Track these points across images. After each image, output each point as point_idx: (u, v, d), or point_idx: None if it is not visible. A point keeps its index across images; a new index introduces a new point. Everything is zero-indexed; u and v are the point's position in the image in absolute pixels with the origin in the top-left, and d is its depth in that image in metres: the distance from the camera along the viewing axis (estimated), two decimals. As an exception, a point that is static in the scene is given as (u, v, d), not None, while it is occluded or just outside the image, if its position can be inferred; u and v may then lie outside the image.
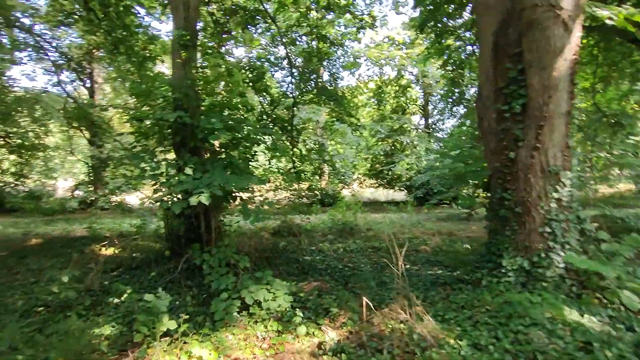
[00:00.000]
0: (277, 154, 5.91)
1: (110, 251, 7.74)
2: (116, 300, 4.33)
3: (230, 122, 4.79)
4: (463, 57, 11.56)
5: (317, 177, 19.41)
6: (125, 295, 4.36)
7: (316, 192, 18.87)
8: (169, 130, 5.34)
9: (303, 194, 18.34)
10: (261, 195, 4.79)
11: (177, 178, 4.36)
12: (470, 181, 4.69)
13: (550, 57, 3.80)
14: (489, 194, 4.66)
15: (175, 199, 4.39)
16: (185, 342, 3.33)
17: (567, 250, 3.90)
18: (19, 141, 17.30)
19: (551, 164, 3.95)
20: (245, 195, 5.16)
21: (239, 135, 5.29)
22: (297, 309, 4.03)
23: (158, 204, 4.92)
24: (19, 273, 6.02)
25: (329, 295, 4.55)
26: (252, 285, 4.22)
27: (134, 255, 7.02)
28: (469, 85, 16.55)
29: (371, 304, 3.52)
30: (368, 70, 30.55)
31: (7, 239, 9.85)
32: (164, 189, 4.65)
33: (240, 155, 5.42)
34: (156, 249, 6.76)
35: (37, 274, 5.78)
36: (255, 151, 7.08)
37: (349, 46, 18.50)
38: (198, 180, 4.23)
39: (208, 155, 5.50)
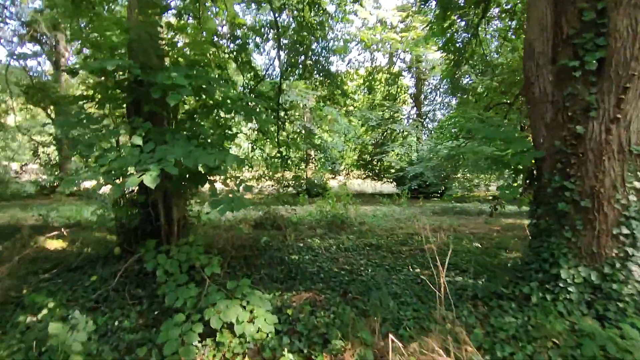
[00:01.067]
0: (262, 128, 4.69)
1: (57, 244, 6.43)
2: (29, 319, 3.10)
3: (198, 80, 3.55)
4: (466, 38, 10.53)
5: (304, 165, 18.23)
6: (44, 312, 3.13)
7: (302, 181, 17.74)
8: (118, 92, 4.06)
9: (289, 183, 17.21)
10: (237, 178, 3.59)
11: (117, 151, 3.12)
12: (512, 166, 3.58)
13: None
14: (533, 182, 3.61)
15: (115, 178, 3.15)
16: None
17: (652, 260, 2.89)
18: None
19: (633, 142, 2.91)
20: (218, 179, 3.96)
21: (211, 102, 4.06)
22: (284, 335, 2.90)
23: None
24: None
25: (324, 312, 3.44)
26: (221, 300, 3.06)
27: (83, 250, 5.75)
28: (467, 76, 15.64)
29: (396, 340, 2.40)
30: (359, 55, 29.30)
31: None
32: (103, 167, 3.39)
33: (213, 126, 4.18)
34: (108, 244, 5.50)
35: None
36: (234, 129, 5.94)
37: (339, 30, 17.27)
38: (146, 154, 3.00)
39: (172, 125, 4.25)
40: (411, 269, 5.13)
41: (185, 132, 3.54)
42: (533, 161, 3.47)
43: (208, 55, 4.18)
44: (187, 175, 3.72)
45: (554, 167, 3.24)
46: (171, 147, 3.13)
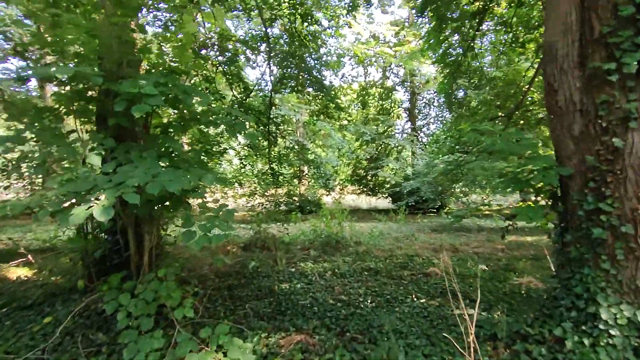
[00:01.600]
0: (251, 143, 4.20)
1: (23, 272, 5.81)
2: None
3: (172, 89, 3.07)
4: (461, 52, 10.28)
5: (297, 181, 17.73)
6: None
7: (295, 198, 17.21)
8: (82, 103, 3.55)
9: (281, 200, 16.65)
10: (216, 201, 3.07)
11: (69, 174, 2.60)
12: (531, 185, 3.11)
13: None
14: (556, 203, 3.14)
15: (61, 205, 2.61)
16: None
17: None
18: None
19: (681, 158, 2.47)
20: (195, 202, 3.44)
21: (188, 114, 3.57)
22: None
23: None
24: None
25: (319, 359, 2.90)
26: (193, 353, 2.50)
27: (50, 281, 5.16)
28: (461, 89, 15.41)
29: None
30: (352, 70, 29.23)
31: None
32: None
33: (192, 142, 3.68)
34: (77, 274, 4.90)
35: None
36: (224, 145, 5.44)
37: (332, 44, 17.07)
38: (103, 177, 2.48)
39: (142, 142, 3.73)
40: (415, 299, 4.60)
41: (155, 150, 3.02)
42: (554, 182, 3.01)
43: (190, 63, 3.70)
44: (155, 200, 3.19)
45: (584, 186, 2.78)
46: (134, 168, 2.62)
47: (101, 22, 3.52)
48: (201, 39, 7.94)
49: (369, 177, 20.85)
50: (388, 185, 19.34)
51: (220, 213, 2.95)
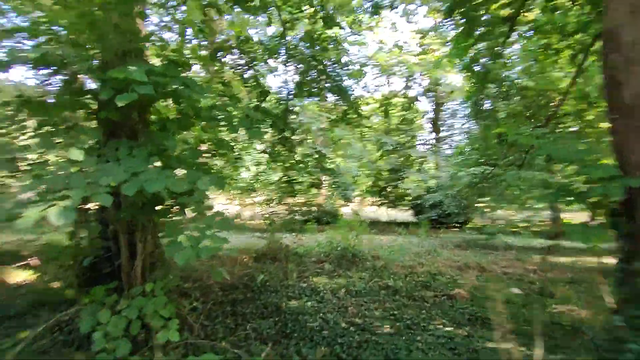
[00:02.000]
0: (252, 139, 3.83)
1: (25, 275, 5.61)
2: None
3: (166, 80, 2.72)
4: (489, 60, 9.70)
5: (315, 190, 17.34)
6: None
7: (312, 208, 16.82)
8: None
9: (297, 209, 16.28)
10: (209, 208, 2.66)
11: (39, 171, 2.28)
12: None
13: None
14: (619, 221, 2.58)
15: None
16: None
17: None
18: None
19: None
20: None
21: (186, 108, 3.22)
22: None
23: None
24: None
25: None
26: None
27: (46, 286, 4.89)
28: (487, 99, 14.72)
29: None
30: (375, 79, 28.87)
31: None
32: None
33: (196, 143, 3.34)
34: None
35: None
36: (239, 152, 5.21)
37: (354, 53, 16.78)
38: (77, 175, 2.13)
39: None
40: (440, 325, 4.05)
41: (147, 147, 2.67)
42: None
43: (196, 57, 3.37)
44: (149, 203, 2.84)
45: (661, 202, 2.23)
46: (117, 166, 2.26)
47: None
48: (217, 40, 7.75)
49: (390, 189, 20.25)
50: (410, 198, 18.66)
51: (215, 221, 2.55)
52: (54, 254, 4.40)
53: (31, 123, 2.86)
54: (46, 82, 3.19)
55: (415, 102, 23.03)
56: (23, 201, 2.14)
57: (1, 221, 2.00)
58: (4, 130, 2.91)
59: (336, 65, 8.64)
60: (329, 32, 9.26)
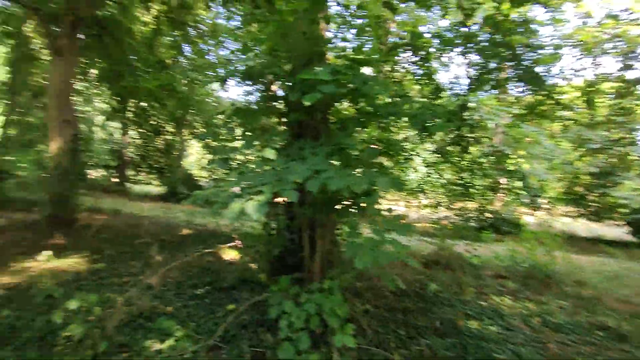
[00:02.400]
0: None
1: (233, 254, 6.81)
2: (155, 347, 2.81)
3: (347, 78, 2.70)
4: None
5: (492, 194, 15.42)
6: (168, 342, 2.81)
7: (488, 214, 15.02)
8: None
9: (471, 214, 14.84)
10: (389, 211, 2.48)
11: (245, 168, 2.57)
12: None
13: None
14: None
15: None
16: None
17: None
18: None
19: None
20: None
21: (365, 106, 3.15)
22: None
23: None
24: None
25: None
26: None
27: (248, 266, 5.77)
28: None
29: None
30: (574, 62, 23.70)
31: (168, 225, 10.35)
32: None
33: (369, 140, 3.27)
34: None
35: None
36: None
37: (546, 35, 14.06)
38: (268, 172, 2.30)
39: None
40: None
41: (329, 146, 2.72)
42: None
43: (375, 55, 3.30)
44: (329, 202, 2.88)
45: None
46: (302, 164, 2.35)
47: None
48: (390, 40, 7.65)
49: (594, 197, 16.20)
50: (627, 210, 14.49)
51: (398, 224, 2.36)
52: (251, 242, 5.15)
53: (238, 130, 3.34)
54: (249, 93, 3.64)
55: (636, 86, 17.70)
56: (234, 194, 2.45)
57: (219, 209, 2.34)
58: (222, 136, 3.45)
59: (528, 48, 7.32)
60: (515, 13, 7.95)
